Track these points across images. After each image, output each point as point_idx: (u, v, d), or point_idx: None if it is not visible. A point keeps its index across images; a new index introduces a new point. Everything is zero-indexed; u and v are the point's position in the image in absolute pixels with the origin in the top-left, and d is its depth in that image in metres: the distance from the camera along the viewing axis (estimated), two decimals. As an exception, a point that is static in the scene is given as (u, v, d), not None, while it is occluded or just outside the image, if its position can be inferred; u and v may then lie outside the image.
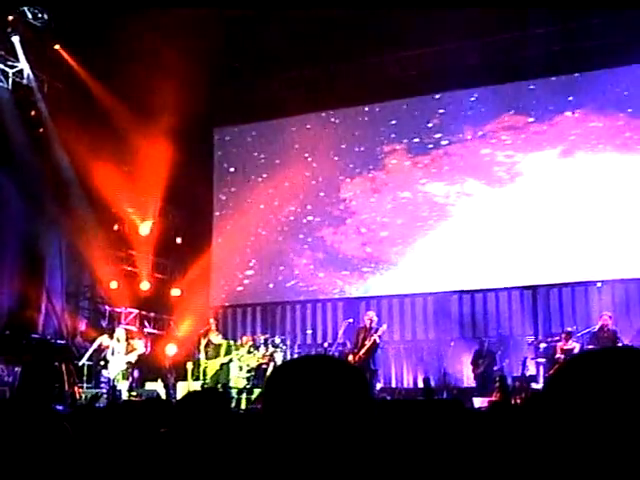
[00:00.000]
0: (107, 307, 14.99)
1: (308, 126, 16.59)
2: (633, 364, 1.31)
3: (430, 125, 15.73)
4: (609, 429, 1.25)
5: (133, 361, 12.76)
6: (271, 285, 16.36)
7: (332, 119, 16.47)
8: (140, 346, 13.03)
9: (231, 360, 13.04)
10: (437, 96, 15.61)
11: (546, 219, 14.43)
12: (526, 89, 15.02)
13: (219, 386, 12.34)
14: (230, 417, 3.03)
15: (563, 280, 14.38)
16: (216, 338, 13.42)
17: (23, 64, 13.30)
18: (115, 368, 12.55)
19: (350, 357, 12.01)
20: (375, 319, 12.53)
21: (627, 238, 13.82)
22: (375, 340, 11.99)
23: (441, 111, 15.66)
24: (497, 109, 15.25)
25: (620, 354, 1.36)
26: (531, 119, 15.04)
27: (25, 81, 13.43)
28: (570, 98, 14.78)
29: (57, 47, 13.67)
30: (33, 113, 13.62)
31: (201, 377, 13.05)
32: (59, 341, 13.29)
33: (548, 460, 1.32)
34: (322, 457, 1.49)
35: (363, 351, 11.91)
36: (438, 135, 15.66)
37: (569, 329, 12.50)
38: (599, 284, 14.02)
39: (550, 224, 14.36)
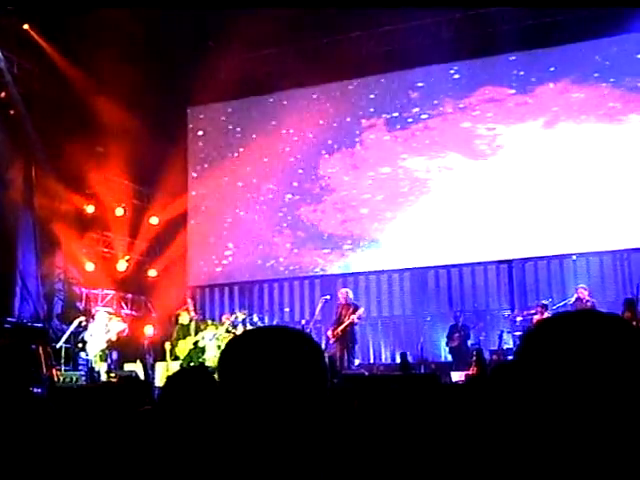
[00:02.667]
0: (83, 289, 15.50)
1: (285, 102, 17.04)
2: (598, 326, 1.39)
3: (409, 99, 16.18)
4: (582, 391, 1.33)
5: (114, 339, 13.38)
6: (250, 265, 16.86)
7: (310, 95, 16.88)
8: (119, 326, 13.68)
9: (203, 338, 13.63)
10: (415, 70, 15.99)
11: (525, 192, 14.97)
12: (506, 60, 15.45)
13: (191, 364, 13.03)
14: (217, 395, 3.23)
15: (538, 254, 14.98)
16: (184, 318, 14.04)
17: (-9, 45, 13.57)
18: (93, 349, 13.13)
19: (329, 333, 12.90)
20: (351, 295, 13.33)
21: (603, 210, 14.37)
22: (353, 320, 12.86)
23: (420, 84, 16.12)
24: (477, 81, 15.71)
25: (586, 317, 1.44)
26: (512, 91, 15.51)
27: (-6, 62, 13.68)
28: (552, 69, 15.21)
29: (26, 27, 13.96)
30: (3, 95, 13.90)
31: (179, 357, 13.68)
32: (35, 324, 13.81)
33: (524, 429, 1.39)
34: (275, 429, 1.57)
35: (341, 328, 12.74)
36: (417, 109, 16.13)
37: (545, 302, 13.13)
38: (574, 257, 14.67)
39: (529, 197, 14.91)
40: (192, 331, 13.77)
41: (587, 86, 15.00)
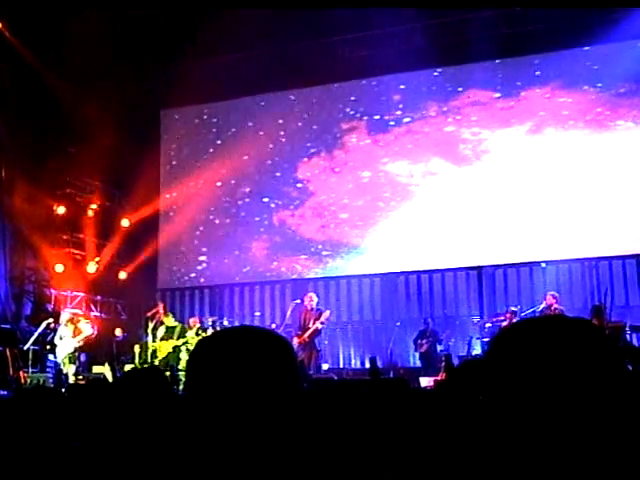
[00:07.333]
0: (53, 291, 16.29)
1: (262, 103, 17.81)
2: (566, 330, 1.51)
3: (391, 102, 16.95)
4: (550, 393, 1.44)
5: (81, 344, 14.16)
6: (225, 270, 17.67)
7: (287, 97, 17.68)
8: (87, 329, 14.44)
9: (185, 342, 14.57)
10: (398, 73, 16.67)
11: (501, 199, 15.81)
12: (491, 64, 16.19)
13: (167, 368, 14.16)
14: (170, 395, 3.27)
15: (508, 261, 15.85)
16: (170, 321, 15.04)
17: (-37, 43, 14.18)
18: (62, 352, 13.95)
19: (295, 339, 13.71)
20: (315, 300, 14.23)
21: (574, 219, 15.27)
22: (317, 327, 13.82)
23: (402, 87, 16.87)
24: (462, 85, 16.48)
25: (553, 321, 1.57)
26: (497, 95, 16.30)
27: (-35, 60, 14.25)
28: (537, 73, 16.00)
29: (-1, 26, 14.77)
30: None
31: (149, 359, 14.52)
32: (3, 325, 14.63)
33: (491, 429, 1.51)
34: (247, 429, 1.64)
35: (307, 334, 13.71)
36: (400, 112, 16.89)
37: (513, 308, 14.03)
38: (543, 264, 15.59)
39: (503, 204, 15.76)
40: (175, 335, 14.78)
41: (574, 91, 15.73)
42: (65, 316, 14.63)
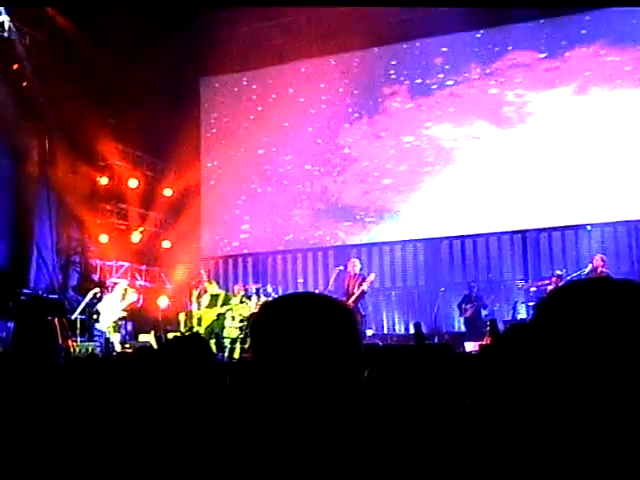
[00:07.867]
0: (98, 261, 16.68)
1: (303, 69, 17.77)
2: (613, 292, 1.48)
3: (433, 65, 16.84)
4: (597, 357, 1.42)
5: (125, 313, 14.55)
6: (268, 238, 17.80)
7: (328, 62, 17.61)
8: (133, 296, 14.87)
9: (229, 310, 14.74)
10: (439, 36, 16.56)
11: (546, 161, 15.64)
12: (535, 24, 15.96)
13: (212, 335, 14.45)
14: (212, 362, 3.30)
15: (552, 224, 15.74)
16: (213, 288, 15.27)
17: (3, 17, 14.43)
18: (107, 320, 14.31)
19: None
20: (358, 265, 14.26)
21: (619, 180, 15.04)
22: (363, 290, 13.87)
23: (444, 49, 16.73)
24: (505, 46, 16.26)
25: (600, 284, 1.53)
26: (542, 55, 16.04)
27: (6, 34, 14.50)
28: (583, 31, 15.70)
29: (38, -2, 14.77)
30: (16, 67, 14.83)
31: (195, 327, 14.76)
32: (51, 296, 14.92)
33: (538, 394, 1.51)
34: (309, 391, 1.66)
35: (352, 300, 13.74)
36: (442, 75, 16.77)
37: (559, 272, 13.94)
38: (588, 227, 15.46)
39: (549, 166, 15.60)
40: (219, 302, 14.94)
41: (621, 49, 15.41)
42: (122, 284, 15.00)
